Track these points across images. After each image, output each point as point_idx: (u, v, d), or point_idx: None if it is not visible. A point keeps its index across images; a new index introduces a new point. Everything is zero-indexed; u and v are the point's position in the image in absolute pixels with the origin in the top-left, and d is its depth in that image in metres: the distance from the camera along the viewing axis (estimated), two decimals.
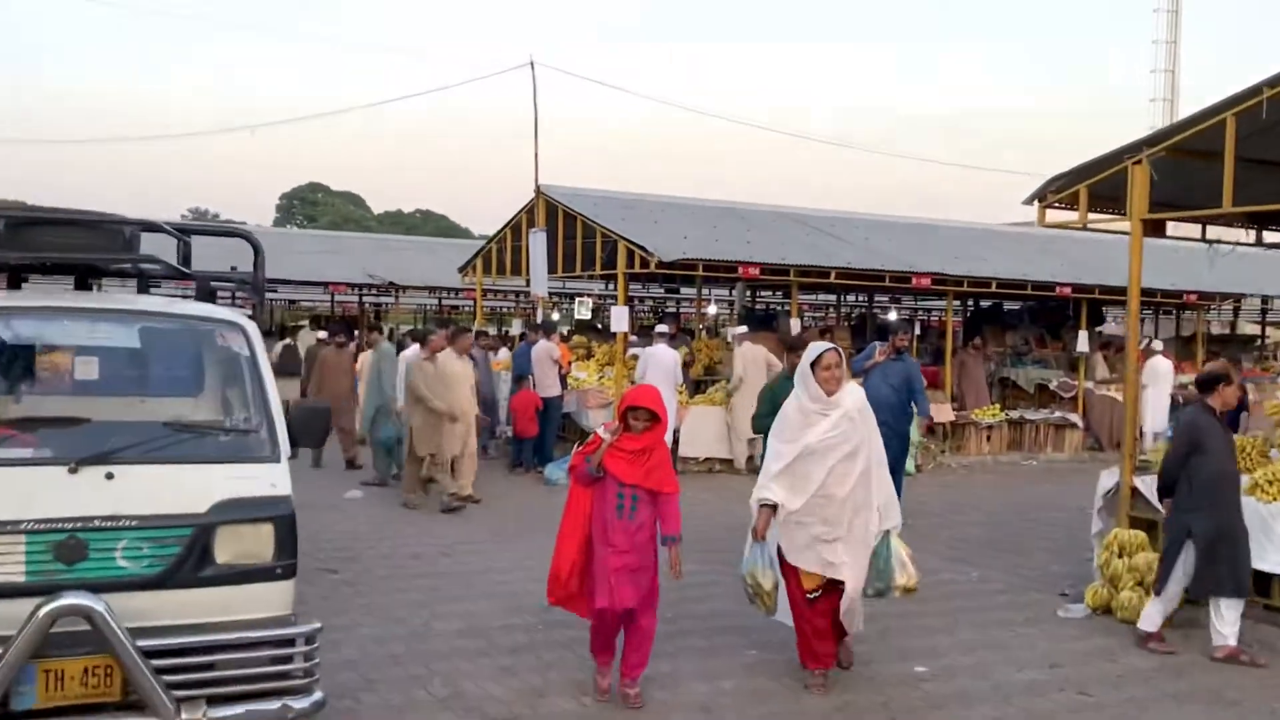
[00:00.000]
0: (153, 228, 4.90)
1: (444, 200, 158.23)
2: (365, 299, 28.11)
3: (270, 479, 4.29)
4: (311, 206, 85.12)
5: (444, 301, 31.12)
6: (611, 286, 19.06)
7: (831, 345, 5.98)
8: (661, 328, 14.59)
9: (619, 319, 14.47)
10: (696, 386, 15.65)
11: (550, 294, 17.50)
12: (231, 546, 4.14)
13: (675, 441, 14.13)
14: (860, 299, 24.76)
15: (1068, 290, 17.21)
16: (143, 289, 5.74)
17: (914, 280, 15.72)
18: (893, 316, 22.03)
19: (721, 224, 16.57)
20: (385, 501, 11.84)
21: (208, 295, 5.44)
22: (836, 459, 5.74)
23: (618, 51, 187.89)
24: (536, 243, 16.44)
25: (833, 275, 15.29)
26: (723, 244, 15.24)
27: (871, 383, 9.91)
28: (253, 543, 4.18)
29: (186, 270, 5.35)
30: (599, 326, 23.69)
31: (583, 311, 15.79)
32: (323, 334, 16.39)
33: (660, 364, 13.68)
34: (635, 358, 14.42)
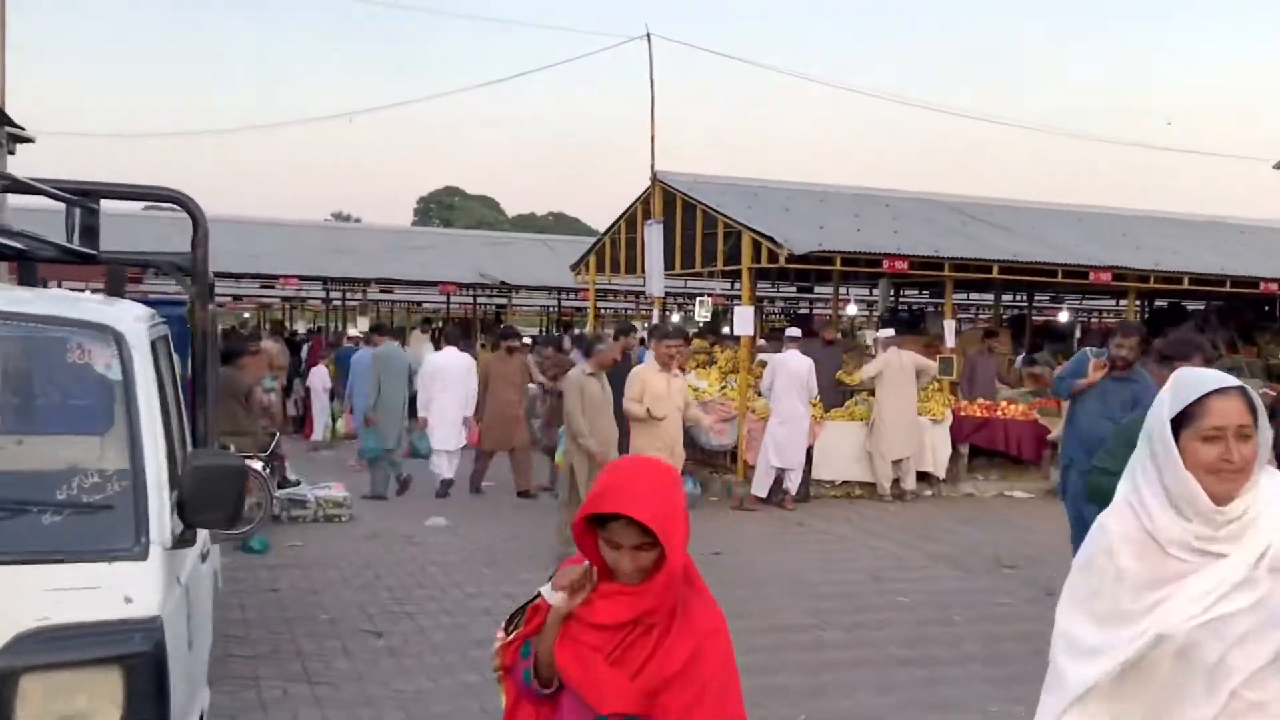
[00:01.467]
0: (17, 186, 3.27)
1: (577, 203, 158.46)
2: (480, 300, 26.85)
3: (126, 588, 2.59)
4: (448, 210, 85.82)
5: (563, 303, 29.63)
6: (736, 285, 17.18)
7: (1238, 383, 2.38)
8: (793, 331, 12.68)
9: (743, 321, 12.60)
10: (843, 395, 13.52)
11: (667, 293, 15.72)
12: (46, 708, 2.46)
13: (809, 462, 12.18)
14: (1018, 298, 22.23)
15: (1274, 287, 14.59)
16: (27, 278, 4.08)
17: (1092, 275, 13.38)
18: (1064, 317, 19.49)
19: (863, 212, 14.53)
20: (469, 529, 10.25)
21: (120, 285, 3.78)
22: (1241, 677, 2.28)
23: (748, 23, 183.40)
24: (652, 236, 14.69)
25: (995, 270, 13.09)
26: (865, 234, 13.22)
27: (1085, 411, 7.46)
28: (86, 700, 2.49)
29: (83, 249, 3.67)
30: (725, 331, 21.85)
31: (702, 313, 13.96)
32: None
33: (792, 373, 11.75)
34: (763, 364, 12.51)
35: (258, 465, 9.91)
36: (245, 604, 7.45)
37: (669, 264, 14.77)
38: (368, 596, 7.82)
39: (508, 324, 18.37)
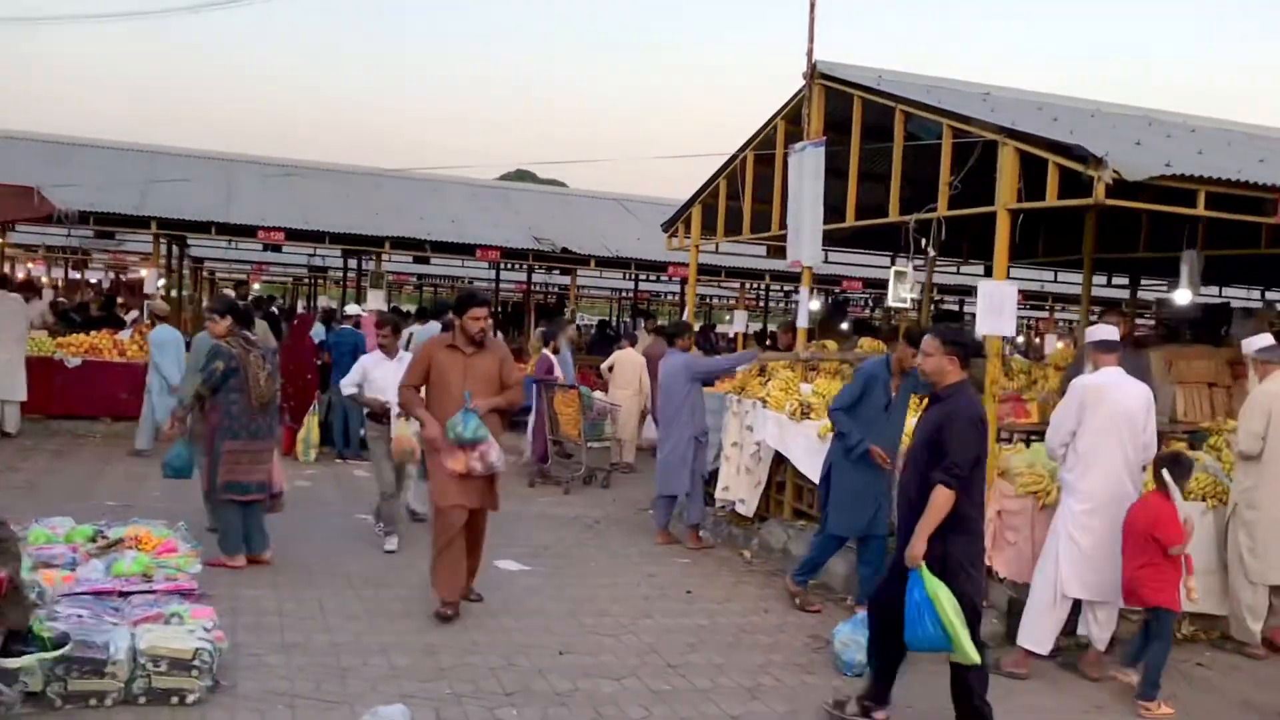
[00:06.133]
0: None
1: (650, 188, 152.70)
2: (536, 276, 21.23)
3: None
4: None
5: (641, 284, 23.75)
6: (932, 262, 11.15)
7: None
8: (1104, 330, 6.51)
9: (995, 308, 6.72)
10: None
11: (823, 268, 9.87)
12: None
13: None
14: None
15: None
16: None
17: None
18: None
19: (1174, 134, 8.64)
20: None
21: None
22: None
23: None
24: (804, 165, 8.95)
25: None
26: (1209, 158, 7.30)
27: None
28: None
29: None
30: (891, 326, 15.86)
31: (902, 292, 8.09)
32: None
33: (1118, 412, 5.93)
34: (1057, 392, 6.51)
35: None
36: None
37: (828, 215, 9.01)
38: None
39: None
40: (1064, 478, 6.13)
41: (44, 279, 25.81)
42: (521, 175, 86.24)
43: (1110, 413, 5.94)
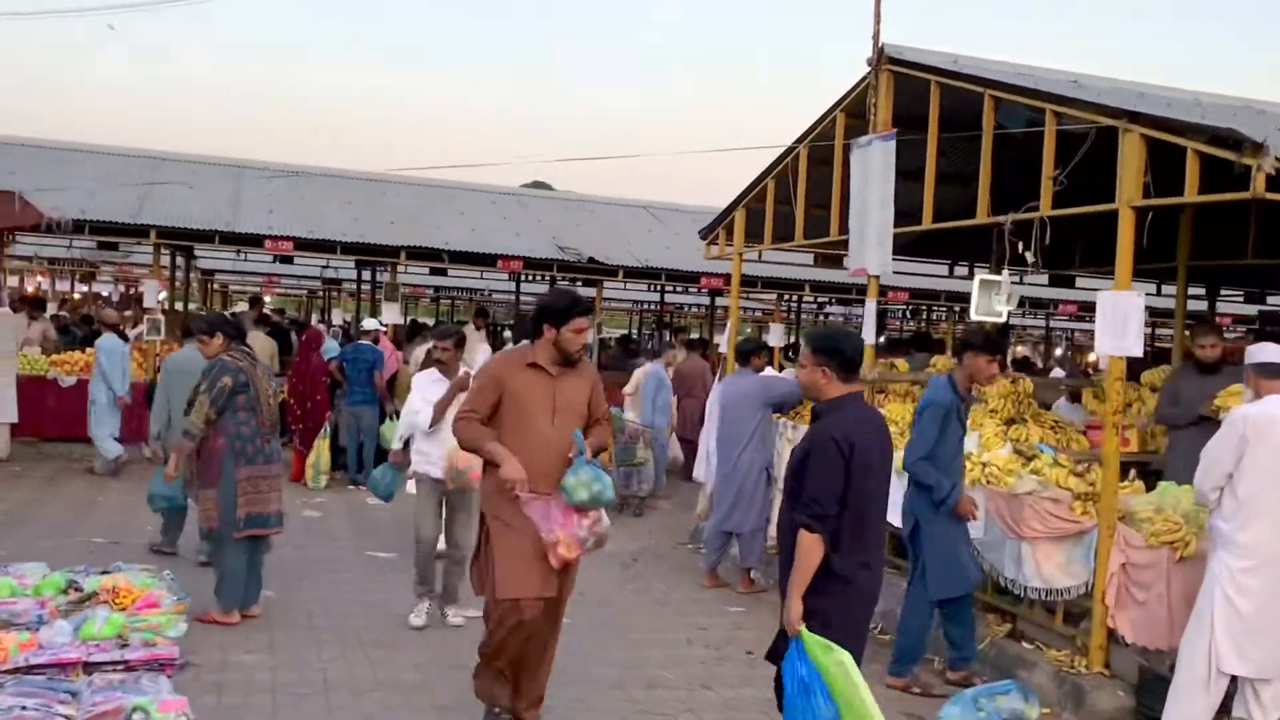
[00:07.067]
0: None
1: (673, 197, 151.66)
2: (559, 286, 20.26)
3: None
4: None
5: (667, 296, 22.66)
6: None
7: None
8: (1269, 350, 5.20)
9: (1118, 318, 5.65)
10: None
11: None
12: None
13: None
14: None
15: None
16: None
17: None
18: None
19: None
20: None
21: None
22: None
23: None
24: (870, 162, 7.93)
25: None
26: None
27: None
28: None
29: None
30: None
31: (997, 305, 7.02)
32: None
33: None
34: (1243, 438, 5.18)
35: None
36: None
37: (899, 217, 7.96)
38: None
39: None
40: (1218, 526, 5.07)
41: (49, 292, 24.99)
42: (538, 185, 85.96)
43: (1278, 450, 4.89)
